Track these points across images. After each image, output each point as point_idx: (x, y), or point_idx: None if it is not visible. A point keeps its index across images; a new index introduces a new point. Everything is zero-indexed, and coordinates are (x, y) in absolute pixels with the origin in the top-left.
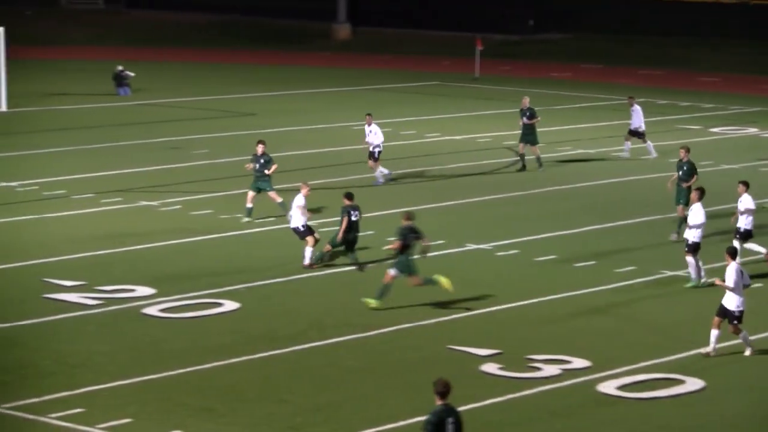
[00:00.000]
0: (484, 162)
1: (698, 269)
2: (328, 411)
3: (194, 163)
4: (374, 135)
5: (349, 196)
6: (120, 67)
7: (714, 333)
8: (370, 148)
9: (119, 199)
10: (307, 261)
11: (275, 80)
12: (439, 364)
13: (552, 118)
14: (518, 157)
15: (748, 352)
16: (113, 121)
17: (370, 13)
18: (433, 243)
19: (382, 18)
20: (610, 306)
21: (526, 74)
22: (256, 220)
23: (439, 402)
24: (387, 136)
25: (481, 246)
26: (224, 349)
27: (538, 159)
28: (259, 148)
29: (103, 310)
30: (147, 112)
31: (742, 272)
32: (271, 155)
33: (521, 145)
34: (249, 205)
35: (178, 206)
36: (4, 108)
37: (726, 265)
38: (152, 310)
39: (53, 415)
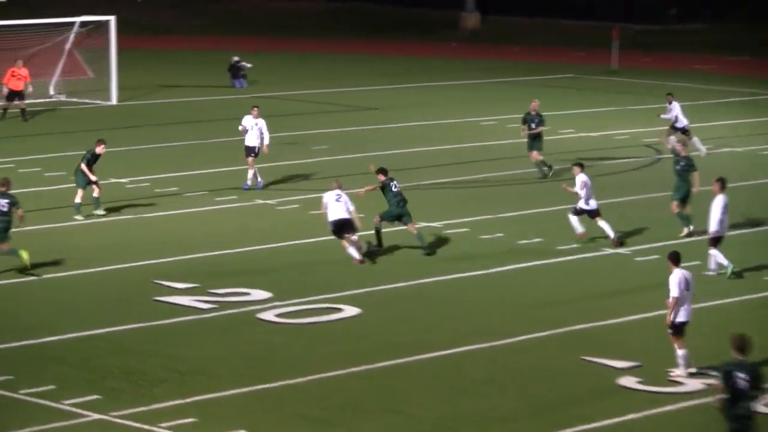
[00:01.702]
0: (623, 161)
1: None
2: (452, 425)
3: (313, 160)
4: None
5: (384, 171)
6: (236, 58)
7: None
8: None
9: (234, 197)
10: (358, 257)
11: (398, 72)
12: (572, 377)
13: (702, 114)
14: (546, 166)
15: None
16: (228, 115)
17: (500, 1)
18: (568, 246)
19: (513, 6)
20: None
21: (667, 66)
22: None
23: (736, 355)
24: (518, 132)
25: (620, 251)
26: (343, 358)
27: (544, 162)
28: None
29: (216, 314)
30: (263, 105)
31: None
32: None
33: (534, 153)
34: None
35: (296, 205)
36: (114, 101)
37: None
38: (268, 315)
39: (164, 425)
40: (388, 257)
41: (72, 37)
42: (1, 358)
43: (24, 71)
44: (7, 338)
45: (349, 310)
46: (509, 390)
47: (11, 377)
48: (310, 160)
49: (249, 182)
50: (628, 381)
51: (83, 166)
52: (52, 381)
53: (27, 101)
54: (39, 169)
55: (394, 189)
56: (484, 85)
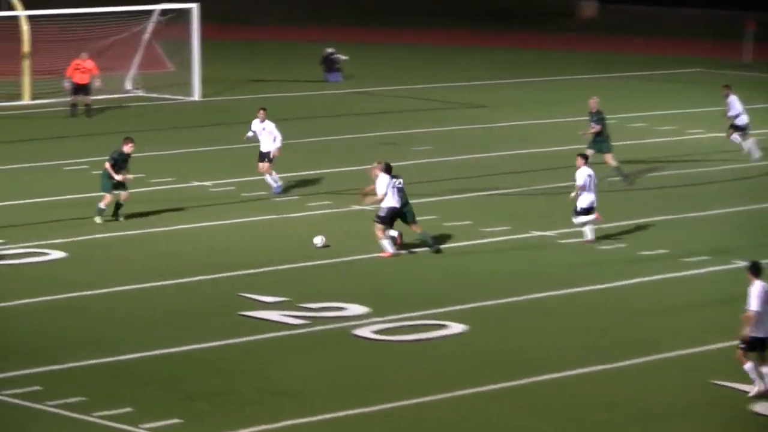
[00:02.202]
0: (760, 164)
1: None
2: None
3: (414, 162)
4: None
5: (389, 168)
6: (330, 50)
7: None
8: None
9: (328, 202)
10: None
11: (508, 66)
12: (702, 405)
13: None
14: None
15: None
16: (321, 112)
17: None
18: (698, 258)
19: None
20: None
21: None
22: (486, 229)
23: None
24: (640, 132)
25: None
26: (447, 379)
27: (617, 169)
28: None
29: (308, 330)
30: (360, 101)
31: None
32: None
33: (607, 156)
34: None
35: None
36: (196, 97)
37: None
38: (365, 332)
39: None
40: (493, 269)
41: (151, 26)
42: (74, 377)
43: (89, 63)
44: (82, 355)
45: (455, 327)
46: (630, 419)
47: (85, 398)
48: (410, 162)
49: (276, 184)
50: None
51: (108, 167)
52: (129, 403)
53: (96, 96)
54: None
55: (398, 185)
56: (602, 80)
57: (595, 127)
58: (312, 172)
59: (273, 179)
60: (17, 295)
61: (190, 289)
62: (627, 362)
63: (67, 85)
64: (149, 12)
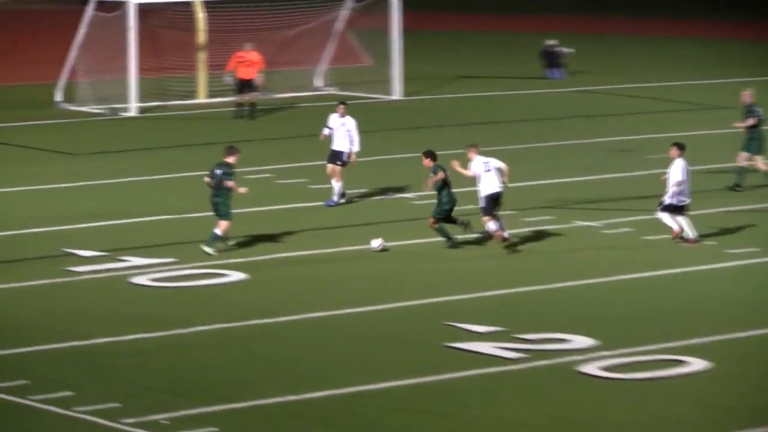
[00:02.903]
0: None
1: None
2: None
3: (651, 172)
4: None
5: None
6: (551, 42)
7: None
8: None
9: (548, 217)
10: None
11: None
12: None
13: None
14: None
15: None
16: (541, 114)
17: None
18: None
19: None
20: None
21: None
22: (731, 251)
23: None
24: None
25: None
26: (685, 426)
27: (743, 171)
28: None
29: (526, 365)
30: (587, 101)
31: None
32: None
33: (744, 155)
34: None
35: (627, 228)
36: (397, 95)
37: None
38: (591, 368)
39: None
40: (739, 294)
41: (344, 14)
42: (254, 418)
43: (254, 55)
44: (262, 392)
45: (696, 364)
46: None
47: None
48: (645, 172)
49: (335, 197)
50: None
51: (232, 185)
52: None
53: (283, 94)
54: (304, 180)
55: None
56: None
57: (749, 121)
58: (528, 183)
59: (338, 188)
60: (191, 321)
61: (386, 316)
62: None
63: (228, 80)
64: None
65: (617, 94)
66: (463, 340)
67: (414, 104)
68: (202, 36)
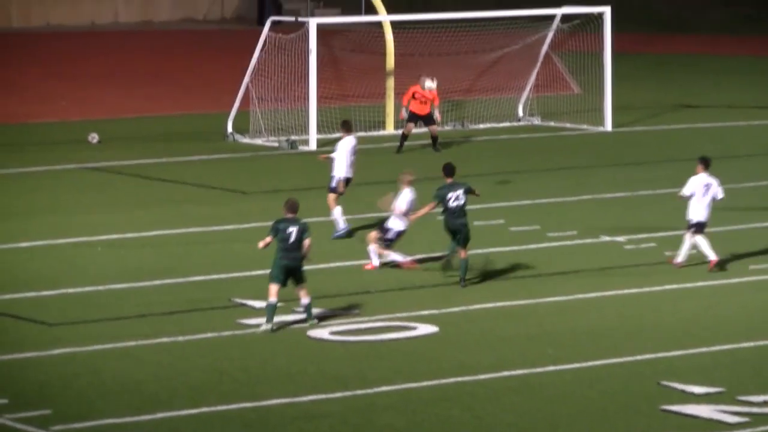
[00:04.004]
0: None
1: None
2: None
3: None
4: None
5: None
6: None
7: None
8: None
9: None
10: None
11: None
12: None
13: None
14: None
15: None
16: None
17: None
18: None
19: None
20: None
21: None
22: None
23: None
24: None
25: None
26: None
27: None
28: None
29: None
30: None
31: None
32: None
33: None
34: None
35: None
36: (608, 127)
37: None
38: None
39: None
40: None
41: (550, 35)
42: None
43: (429, 93)
44: None
45: None
46: None
47: None
48: None
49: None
50: None
51: (307, 243)
52: None
53: (478, 125)
54: (501, 221)
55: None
56: None
57: None
58: (759, 225)
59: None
60: (375, 381)
61: (592, 376)
62: None
63: (403, 113)
64: (548, 17)
65: None
66: (680, 402)
67: (624, 137)
68: (390, 60)
